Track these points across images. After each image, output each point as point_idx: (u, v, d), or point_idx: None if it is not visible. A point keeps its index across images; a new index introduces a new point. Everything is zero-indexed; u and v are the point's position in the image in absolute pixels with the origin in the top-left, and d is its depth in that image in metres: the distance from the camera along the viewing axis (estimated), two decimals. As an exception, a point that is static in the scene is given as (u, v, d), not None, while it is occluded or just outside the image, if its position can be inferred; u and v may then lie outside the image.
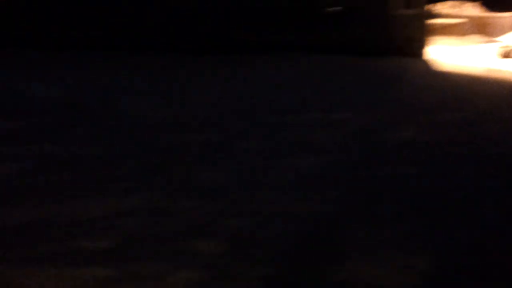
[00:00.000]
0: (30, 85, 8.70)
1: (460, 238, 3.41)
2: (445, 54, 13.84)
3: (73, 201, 3.99)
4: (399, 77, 10.36)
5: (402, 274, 2.97)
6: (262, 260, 3.10)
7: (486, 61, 13.00)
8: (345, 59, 11.67)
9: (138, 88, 8.79)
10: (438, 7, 17.40)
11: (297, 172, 4.71)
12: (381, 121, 6.72)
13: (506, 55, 13.45)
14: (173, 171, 4.71)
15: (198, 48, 12.97)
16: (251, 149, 5.45)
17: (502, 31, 16.49)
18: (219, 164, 4.95)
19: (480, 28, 17.50)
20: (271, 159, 5.11)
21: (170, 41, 13.22)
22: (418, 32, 13.28)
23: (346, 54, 12.00)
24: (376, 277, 2.93)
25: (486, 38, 16.50)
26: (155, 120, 6.57)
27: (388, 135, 6.09)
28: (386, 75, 10.43)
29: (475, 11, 18.77)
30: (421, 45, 13.19)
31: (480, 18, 18.18)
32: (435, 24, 15.07)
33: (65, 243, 3.30)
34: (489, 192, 4.29)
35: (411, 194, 4.21)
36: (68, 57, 11.94)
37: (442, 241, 3.37)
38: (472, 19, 17.81)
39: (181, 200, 4.03)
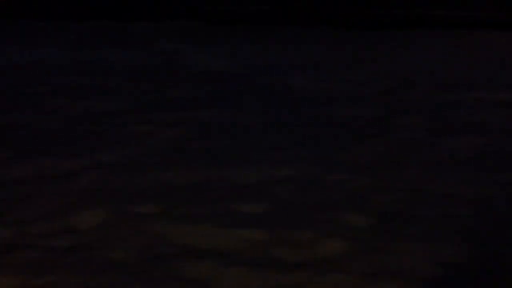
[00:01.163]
0: (201, 56, 9.13)
1: None
2: None
3: (231, 166, 4.19)
4: None
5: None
6: (410, 236, 3.09)
7: None
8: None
9: (304, 62, 8.91)
10: None
11: (459, 153, 4.59)
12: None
13: None
14: (329, 145, 4.78)
15: (360, 23, 12.88)
16: (410, 125, 5.39)
17: None
18: (377, 140, 4.95)
19: None
20: (431, 137, 5.02)
21: (337, 16, 13.23)
22: None
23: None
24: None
25: None
26: (318, 94, 6.67)
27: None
28: None
29: None
30: None
31: None
32: None
33: (221, 205, 3.49)
34: None
35: None
36: (238, 30, 12.35)
37: None
38: None
39: (334, 172, 4.09)
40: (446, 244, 2.99)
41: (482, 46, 10.57)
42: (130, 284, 2.57)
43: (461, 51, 10.03)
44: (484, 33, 11.79)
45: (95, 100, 6.19)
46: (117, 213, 3.37)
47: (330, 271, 2.68)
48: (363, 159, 4.43)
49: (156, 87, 6.88)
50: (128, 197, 3.62)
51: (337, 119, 5.60)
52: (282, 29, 12.49)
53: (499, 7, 12.43)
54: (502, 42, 11.02)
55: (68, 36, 11.74)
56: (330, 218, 3.32)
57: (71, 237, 3.09)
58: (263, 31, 12.35)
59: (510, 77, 7.85)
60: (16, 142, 4.75)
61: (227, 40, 11.17)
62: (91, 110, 5.80)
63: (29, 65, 8.34)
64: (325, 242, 3.03)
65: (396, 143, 4.84)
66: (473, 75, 7.92)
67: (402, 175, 4.07)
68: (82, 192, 3.72)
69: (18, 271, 2.69)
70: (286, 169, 4.14)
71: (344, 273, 2.66)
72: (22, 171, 4.06)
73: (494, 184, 3.90)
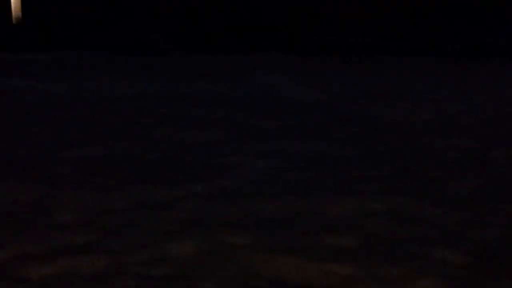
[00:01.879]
0: (295, 88, 9.20)
1: None
2: None
3: (322, 198, 4.18)
4: None
5: None
6: (509, 276, 2.97)
7: None
8: None
9: (393, 91, 8.81)
10: None
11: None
12: None
13: None
14: (421, 177, 4.69)
15: (451, 50, 12.66)
16: (509, 157, 5.20)
17: None
18: (474, 172, 4.81)
19: None
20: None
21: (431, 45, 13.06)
22: None
23: None
24: None
25: None
26: (409, 125, 6.56)
27: None
28: None
29: None
30: None
31: None
32: None
33: (311, 238, 3.48)
34: None
35: None
36: (331, 61, 12.39)
37: None
38: None
39: (427, 206, 4.00)
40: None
41: None
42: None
43: None
44: None
45: (191, 131, 6.34)
46: (210, 243, 3.43)
47: (423, 310, 2.62)
48: (458, 192, 4.31)
49: (250, 118, 6.97)
50: (221, 227, 3.68)
51: (430, 150, 5.49)
52: (377, 59, 12.41)
53: None
54: None
55: (167, 69, 12.13)
56: (424, 254, 3.25)
57: (166, 266, 3.17)
58: (357, 62, 12.32)
59: None
60: (115, 171, 4.93)
61: (320, 71, 11.20)
62: (187, 140, 5.94)
63: (131, 97, 8.66)
64: (418, 279, 2.96)
65: (494, 176, 4.68)
66: None
67: (501, 210, 3.93)
68: (177, 221, 3.81)
69: (114, 299, 2.78)
70: (377, 202, 4.08)
71: (437, 313, 2.59)
72: (119, 200, 4.21)
73: None
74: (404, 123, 6.66)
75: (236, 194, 4.31)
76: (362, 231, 3.58)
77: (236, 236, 3.53)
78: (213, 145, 5.74)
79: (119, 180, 4.66)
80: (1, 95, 8.72)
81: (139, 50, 15.03)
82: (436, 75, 10.41)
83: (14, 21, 17.57)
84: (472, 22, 13.30)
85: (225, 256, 3.27)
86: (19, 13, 17.45)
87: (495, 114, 7.09)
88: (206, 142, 5.89)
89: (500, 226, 3.64)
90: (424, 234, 3.53)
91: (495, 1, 13.38)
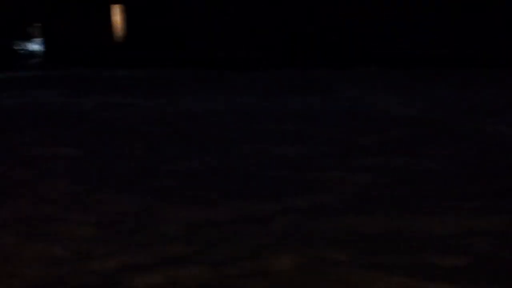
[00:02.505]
0: (386, 102, 9.07)
1: None
2: None
3: (425, 215, 4.08)
4: None
5: None
6: None
7: None
8: None
9: (495, 105, 8.53)
10: None
11: None
12: None
13: None
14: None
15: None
16: None
17: None
18: None
19: None
20: None
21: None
22: None
23: None
24: None
25: None
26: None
27: None
28: None
29: None
30: None
31: None
32: None
33: (414, 256, 3.40)
34: None
35: None
36: (416, 74, 12.17)
37: None
38: None
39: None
40: None
41: None
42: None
43: None
44: None
45: (286, 146, 6.35)
46: (309, 258, 3.41)
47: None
48: None
49: (347, 133, 6.92)
50: (319, 242, 3.65)
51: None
52: (474, 72, 12.06)
53: None
54: None
55: (258, 83, 12.25)
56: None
57: (264, 279, 3.18)
58: (453, 74, 12.02)
59: None
60: (213, 184, 5.00)
61: (416, 85, 11.00)
62: (283, 155, 5.96)
63: (223, 111, 8.80)
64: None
65: None
66: None
67: None
68: (276, 235, 3.81)
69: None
70: (484, 220, 3.94)
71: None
72: (220, 213, 4.26)
73: None
74: (508, 139, 6.43)
75: (336, 209, 4.28)
76: (467, 250, 3.46)
77: (336, 252, 3.49)
78: (310, 160, 5.73)
79: (218, 193, 4.72)
80: (102, 111, 9.04)
81: (230, 66, 15.30)
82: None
83: (115, 40, 18.27)
84: None
85: (325, 272, 3.24)
86: (120, 33, 18.13)
87: None
88: (302, 156, 5.88)
89: None
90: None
91: None
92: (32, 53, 20.40)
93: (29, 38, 20.42)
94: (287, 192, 4.69)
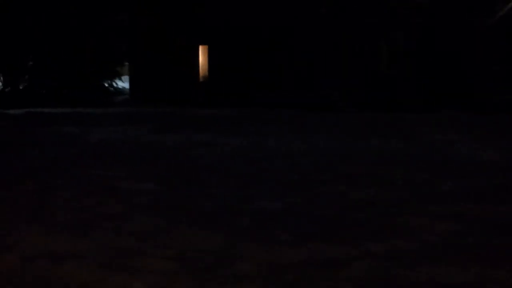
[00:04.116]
0: (472, 147, 8.85)
1: None
2: None
3: (504, 267, 3.92)
4: None
5: None
6: None
7: None
8: None
9: None
10: None
11: None
12: None
13: None
14: None
15: None
16: None
17: None
18: None
19: None
20: None
21: None
22: None
23: None
24: None
25: None
26: None
27: None
28: None
29: None
30: None
31: None
32: None
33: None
34: None
35: None
36: (499, 119, 11.84)
37: None
38: None
39: None
40: None
41: None
42: None
43: None
44: None
45: (367, 189, 6.28)
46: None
47: None
48: None
49: (430, 178, 6.78)
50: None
51: None
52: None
53: None
54: None
55: (342, 125, 12.23)
56: None
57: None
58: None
59: None
60: (293, 225, 4.98)
61: (499, 131, 10.69)
62: (363, 198, 5.88)
63: (307, 152, 8.81)
64: None
65: None
66: None
67: None
68: (354, 281, 3.75)
69: None
70: None
71: None
72: (297, 255, 4.23)
73: None
74: None
75: (415, 256, 4.17)
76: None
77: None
78: (391, 205, 5.63)
79: (297, 234, 4.69)
80: (188, 150, 9.19)
81: (317, 108, 15.37)
82: None
83: (201, 79, 18.70)
84: None
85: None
86: (206, 74, 18.57)
87: None
88: (383, 201, 5.79)
89: None
90: None
91: None
92: (121, 91, 21.11)
93: (118, 76, 21.16)
94: (367, 237, 4.62)
